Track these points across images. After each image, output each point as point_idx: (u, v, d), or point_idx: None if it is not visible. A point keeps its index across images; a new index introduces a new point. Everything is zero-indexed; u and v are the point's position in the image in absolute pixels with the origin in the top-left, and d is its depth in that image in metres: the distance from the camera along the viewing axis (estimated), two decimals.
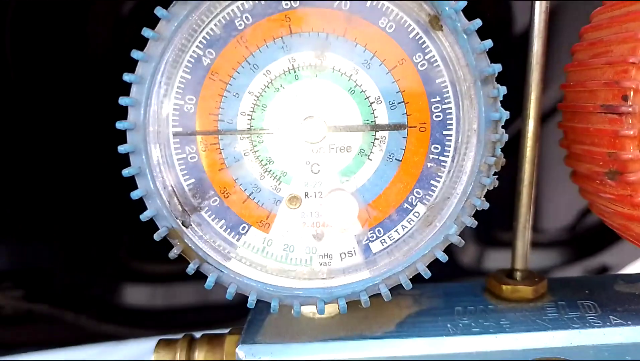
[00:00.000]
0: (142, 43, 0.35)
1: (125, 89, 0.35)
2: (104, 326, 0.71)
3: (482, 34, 0.35)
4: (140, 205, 0.36)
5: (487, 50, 0.35)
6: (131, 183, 0.36)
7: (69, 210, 0.63)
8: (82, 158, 0.60)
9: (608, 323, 0.39)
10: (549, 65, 0.43)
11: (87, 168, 0.61)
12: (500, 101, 0.36)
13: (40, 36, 0.54)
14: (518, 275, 0.45)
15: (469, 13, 0.35)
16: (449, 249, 0.37)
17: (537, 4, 0.41)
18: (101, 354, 0.70)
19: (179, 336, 0.45)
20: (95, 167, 0.60)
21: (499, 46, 0.36)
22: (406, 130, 0.37)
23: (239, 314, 0.46)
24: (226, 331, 0.46)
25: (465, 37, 0.35)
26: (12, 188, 0.61)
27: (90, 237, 0.65)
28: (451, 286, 0.46)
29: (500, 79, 0.36)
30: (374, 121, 0.37)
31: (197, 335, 0.46)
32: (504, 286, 0.44)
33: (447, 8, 0.34)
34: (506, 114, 0.35)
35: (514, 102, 0.42)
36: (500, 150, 0.36)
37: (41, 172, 0.61)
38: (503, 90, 0.35)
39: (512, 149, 0.43)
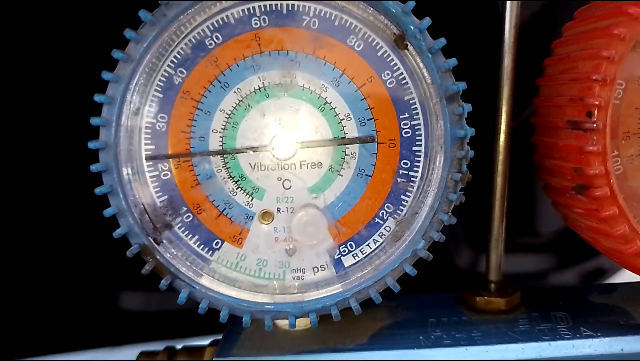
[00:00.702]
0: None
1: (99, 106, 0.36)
2: (100, 332, 0.71)
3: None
4: None
5: (452, 68, 0.35)
6: None
7: (65, 216, 0.64)
8: (81, 168, 0.61)
9: (578, 335, 0.40)
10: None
11: (85, 179, 0.61)
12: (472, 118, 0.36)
13: (12, 51, 0.55)
14: (492, 286, 0.45)
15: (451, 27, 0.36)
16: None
17: (507, 20, 0.41)
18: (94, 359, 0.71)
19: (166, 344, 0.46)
20: (92, 178, 0.61)
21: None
22: (375, 143, 0.38)
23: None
24: (206, 343, 0.46)
25: (429, 55, 0.35)
26: (8, 192, 0.61)
27: (87, 242, 0.66)
28: (427, 297, 0.47)
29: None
30: (344, 137, 0.38)
31: (191, 342, 0.47)
32: (478, 298, 0.44)
33: (411, 27, 0.35)
34: (471, 131, 0.36)
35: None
36: (466, 166, 0.36)
37: (39, 177, 0.61)
38: (468, 107, 0.36)
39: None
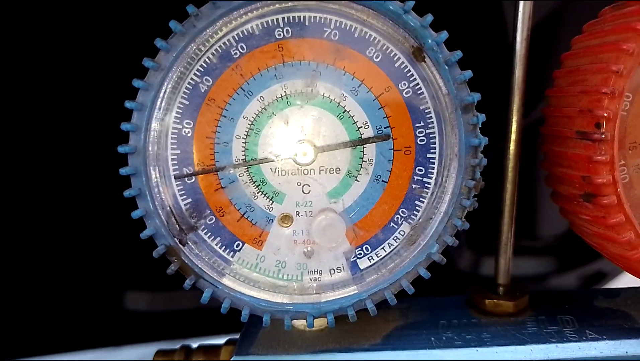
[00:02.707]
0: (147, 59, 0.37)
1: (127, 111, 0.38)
2: (104, 331, 0.72)
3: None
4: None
5: (467, 79, 0.37)
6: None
7: (71, 218, 0.65)
8: (89, 170, 0.62)
9: (584, 338, 0.41)
10: (548, 77, 0.45)
11: (93, 181, 0.63)
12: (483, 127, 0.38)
13: (44, 55, 0.56)
14: (501, 289, 0.47)
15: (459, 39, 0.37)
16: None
17: (518, 32, 0.43)
18: (99, 359, 0.72)
19: (177, 345, 0.48)
20: (100, 180, 0.62)
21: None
22: (391, 150, 0.39)
23: (234, 322, 0.48)
24: (222, 341, 0.48)
25: (446, 67, 0.37)
26: (15, 193, 0.62)
27: (92, 244, 0.67)
28: (437, 300, 0.48)
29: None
30: (360, 138, 0.39)
31: (195, 343, 0.48)
32: (487, 301, 0.46)
33: (429, 40, 0.37)
34: (485, 140, 0.38)
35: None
36: (479, 173, 0.38)
37: (48, 179, 0.63)
38: (482, 117, 0.37)
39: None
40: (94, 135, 0.58)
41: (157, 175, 0.39)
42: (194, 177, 0.39)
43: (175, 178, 0.39)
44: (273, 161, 0.40)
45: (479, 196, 0.39)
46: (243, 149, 0.40)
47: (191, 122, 0.39)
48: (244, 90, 0.39)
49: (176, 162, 0.39)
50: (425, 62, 0.38)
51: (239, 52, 0.38)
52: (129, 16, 0.53)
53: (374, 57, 0.38)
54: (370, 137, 0.39)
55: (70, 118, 0.60)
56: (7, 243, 0.64)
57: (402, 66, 0.39)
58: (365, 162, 0.40)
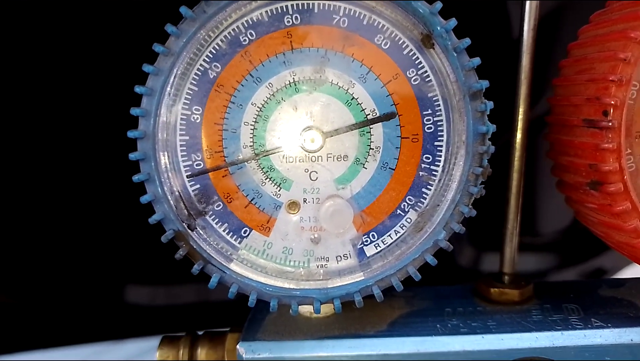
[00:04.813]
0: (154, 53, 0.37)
1: (136, 98, 0.38)
2: (104, 325, 0.73)
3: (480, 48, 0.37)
4: (142, 207, 0.39)
5: (476, 67, 0.37)
6: (134, 187, 0.39)
7: (73, 211, 0.65)
8: (90, 163, 0.62)
9: (589, 326, 0.41)
10: (551, 69, 0.45)
11: (94, 173, 0.63)
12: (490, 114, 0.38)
13: (53, 46, 0.56)
14: (506, 278, 0.47)
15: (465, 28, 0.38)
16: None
17: (526, 21, 0.43)
18: (100, 353, 0.72)
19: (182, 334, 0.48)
20: (101, 172, 0.62)
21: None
22: (399, 137, 0.40)
23: (235, 315, 0.48)
24: (227, 329, 0.48)
25: (455, 54, 0.37)
26: (17, 185, 0.63)
27: (93, 238, 0.67)
28: (442, 289, 0.49)
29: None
30: (370, 132, 0.40)
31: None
32: (492, 289, 0.46)
33: (438, 27, 0.37)
34: (493, 127, 0.38)
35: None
36: (487, 161, 0.38)
37: (49, 171, 0.63)
38: (490, 104, 0.38)
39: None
40: (96, 134, 0.59)
41: (166, 161, 0.39)
42: (200, 156, 0.39)
43: (188, 178, 0.39)
44: (282, 151, 0.40)
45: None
46: (251, 136, 0.40)
47: (200, 108, 0.39)
48: (252, 77, 0.39)
49: (185, 148, 0.39)
50: (433, 49, 0.38)
51: (248, 38, 0.39)
52: (140, 2, 0.53)
53: (383, 44, 0.39)
54: (375, 117, 0.39)
55: (67, 118, 0.60)
56: (10, 237, 0.64)
57: (410, 54, 0.39)
58: (373, 149, 0.40)
